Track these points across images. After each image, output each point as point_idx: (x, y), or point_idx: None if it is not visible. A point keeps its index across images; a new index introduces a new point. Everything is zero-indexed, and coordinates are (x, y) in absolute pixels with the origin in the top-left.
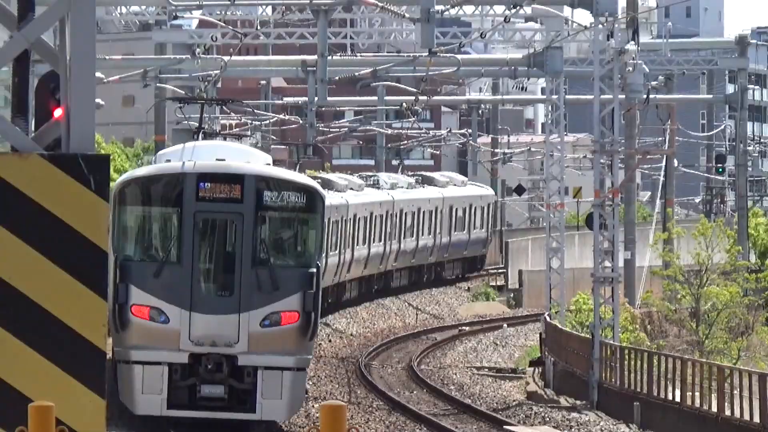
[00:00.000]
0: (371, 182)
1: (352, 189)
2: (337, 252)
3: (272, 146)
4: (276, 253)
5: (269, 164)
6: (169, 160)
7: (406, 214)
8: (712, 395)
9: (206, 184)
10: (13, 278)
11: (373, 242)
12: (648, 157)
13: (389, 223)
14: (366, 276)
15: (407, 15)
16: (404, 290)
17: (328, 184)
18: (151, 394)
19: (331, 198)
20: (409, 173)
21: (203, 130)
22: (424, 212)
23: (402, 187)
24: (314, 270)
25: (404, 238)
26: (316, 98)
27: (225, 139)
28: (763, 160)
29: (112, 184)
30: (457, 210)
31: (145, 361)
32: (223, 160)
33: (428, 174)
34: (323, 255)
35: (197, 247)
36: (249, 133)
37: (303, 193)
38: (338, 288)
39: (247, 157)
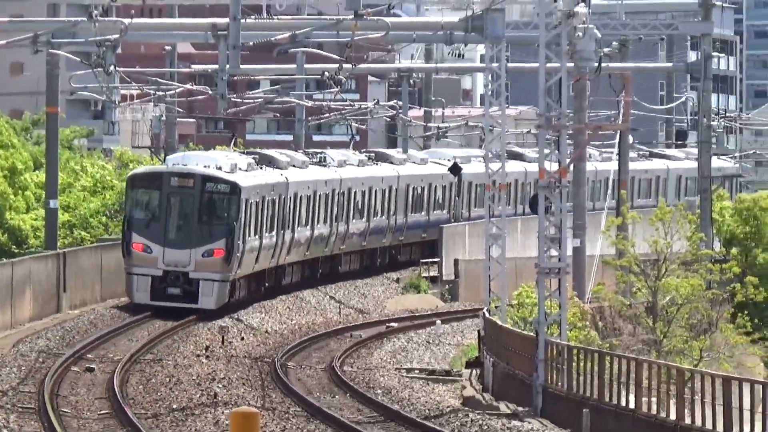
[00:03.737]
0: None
1: (294, 166)
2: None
3: (178, 119)
4: (211, 216)
5: (222, 166)
6: (163, 163)
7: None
8: (671, 401)
9: (174, 178)
10: None
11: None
12: (600, 132)
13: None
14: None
15: None
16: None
17: (269, 161)
18: (142, 291)
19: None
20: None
21: (236, 139)
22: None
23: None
24: (233, 227)
25: (299, 226)
26: (227, 66)
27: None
28: (728, 136)
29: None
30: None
31: (139, 273)
32: (186, 165)
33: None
34: (240, 218)
35: (169, 212)
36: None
37: (228, 184)
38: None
39: (211, 163)
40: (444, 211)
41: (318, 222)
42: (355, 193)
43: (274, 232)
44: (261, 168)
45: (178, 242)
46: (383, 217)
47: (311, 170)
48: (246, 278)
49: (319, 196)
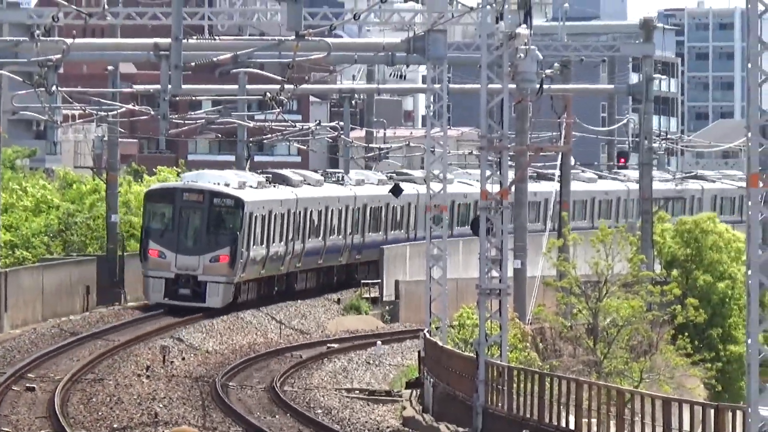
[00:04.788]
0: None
1: (309, 184)
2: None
3: (120, 140)
4: (218, 227)
5: (230, 183)
6: (179, 179)
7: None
8: (611, 422)
9: (185, 194)
10: None
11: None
12: (541, 154)
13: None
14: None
15: None
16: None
17: (283, 179)
18: (157, 292)
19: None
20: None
21: (250, 158)
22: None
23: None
24: (236, 236)
25: (310, 237)
26: (169, 86)
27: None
28: (670, 158)
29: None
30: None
31: (155, 276)
32: (197, 182)
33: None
34: (243, 229)
35: (181, 223)
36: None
37: (233, 199)
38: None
39: (221, 181)
40: (467, 227)
41: (331, 234)
42: (370, 208)
43: (282, 242)
44: (274, 186)
45: (188, 249)
46: (401, 231)
47: (325, 188)
48: (255, 282)
49: (332, 211)
